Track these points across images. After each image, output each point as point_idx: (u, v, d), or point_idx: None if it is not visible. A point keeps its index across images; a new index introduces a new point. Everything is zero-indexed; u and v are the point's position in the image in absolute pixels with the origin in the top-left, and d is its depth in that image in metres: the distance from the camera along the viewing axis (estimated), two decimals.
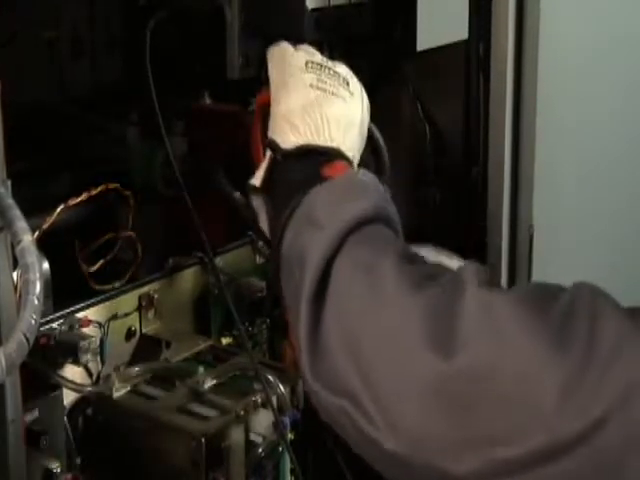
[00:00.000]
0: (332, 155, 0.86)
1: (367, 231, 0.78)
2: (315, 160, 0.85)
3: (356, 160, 0.89)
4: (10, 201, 0.81)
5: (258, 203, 0.88)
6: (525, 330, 0.67)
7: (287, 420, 1.09)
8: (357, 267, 0.75)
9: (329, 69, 0.92)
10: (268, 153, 0.88)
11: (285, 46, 0.95)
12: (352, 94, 0.91)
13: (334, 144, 0.86)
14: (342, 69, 0.93)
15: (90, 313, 1.07)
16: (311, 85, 0.89)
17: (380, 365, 0.72)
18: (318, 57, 0.94)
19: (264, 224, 0.88)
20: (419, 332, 0.70)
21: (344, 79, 0.92)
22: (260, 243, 1.27)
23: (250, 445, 1.08)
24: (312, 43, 1.21)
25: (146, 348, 1.13)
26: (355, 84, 0.93)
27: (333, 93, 0.89)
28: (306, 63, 0.92)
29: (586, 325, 0.67)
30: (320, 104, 0.88)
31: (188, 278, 1.20)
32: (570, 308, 0.68)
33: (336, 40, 1.24)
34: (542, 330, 0.67)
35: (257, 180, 0.87)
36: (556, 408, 0.65)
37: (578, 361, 0.66)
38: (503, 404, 0.67)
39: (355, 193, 0.81)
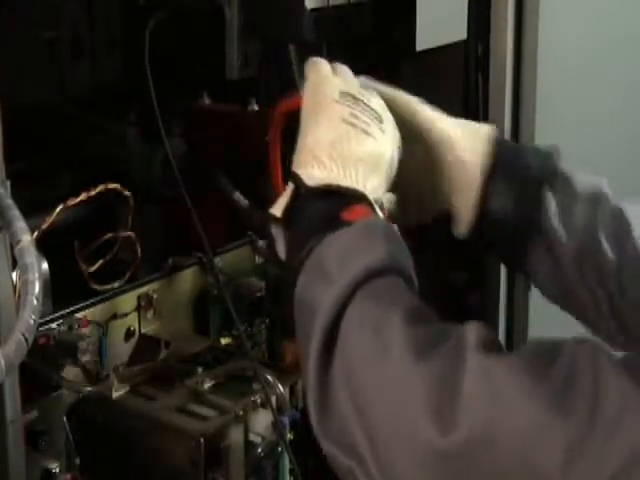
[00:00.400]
0: (354, 197, 0.84)
1: (377, 284, 0.78)
2: (336, 201, 0.84)
3: (379, 201, 0.87)
4: (9, 201, 0.81)
5: (277, 231, 0.87)
6: (525, 394, 0.67)
7: (286, 420, 1.09)
8: (364, 324, 0.75)
9: (363, 102, 0.89)
10: (291, 185, 0.86)
11: (323, 68, 0.91)
12: (384, 132, 0.88)
13: (359, 186, 0.85)
14: (376, 103, 0.90)
15: (89, 313, 1.07)
16: (342, 119, 0.87)
17: (385, 428, 0.72)
18: (354, 86, 0.90)
19: (281, 252, 0.87)
20: (422, 402, 0.70)
21: (377, 115, 0.89)
22: (260, 243, 1.27)
23: (249, 445, 1.08)
24: (311, 43, 1.22)
25: (145, 348, 1.13)
26: (388, 120, 0.90)
27: (364, 130, 0.87)
28: (340, 93, 0.88)
29: (589, 387, 0.66)
30: (349, 141, 0.86)
31: (187, 278, 1.20)
32: (571, 368, 0.68)
33: (335, 40, 1.24)
34: (542, 393, 0.66)
35: (277, 211, 0.86)
36: (560, 475, 0.64)
37: (582, 424, 0.65)
38: (506, 472, 0.67)
39: (369, 242, 0.80)
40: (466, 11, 1.40)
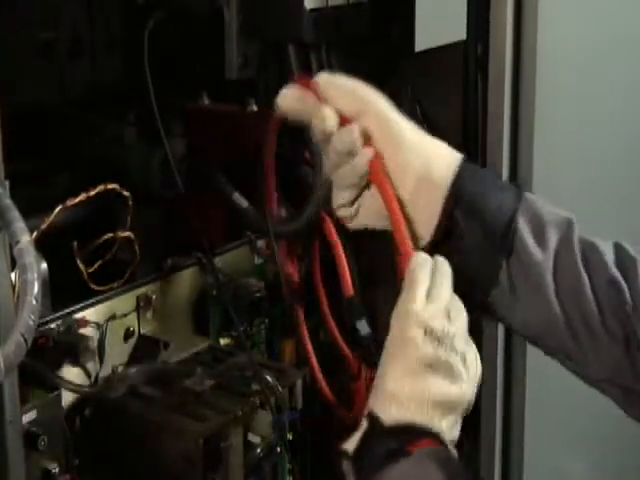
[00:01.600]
0: (424, 432, 0.84)
1: None
2: (407, 436, 0.84)
3: (454, 441, 0.86)
4: (8, 202, 0.81)
5: (347, 466, 0.86)
6: None
7: (285, 421, 1.09)
8: None
9: (447, 344, 0.86)
10: (366, 423, 0.85)
11: (419, 294, 0.87)
12: (466, 374, 0.87)
13: (433, 428, 0.84)
14: (460, 343, 0.87)
15: (88, 314, 1.07)
16: (425, 363, 0.85)
17: None
18: (439, 320, 0.86)
19: None
20: None
21: (462, 355, 0.87)
22: (259, 243, 1.27)
23: (249, 446, 1.08)
24: (311, 43, 1.22)
25: (144, 349, 1.13)
26: (472, 361, 0.87)
27: (446, 374, 0.85)
28: (425, 331, 0.86)
29: None
30: (429, 386, 0.85)
31: (186, 278, 1.20)
32: None
33: (334, 40, 1.24)
34: None
35: (351, 447, 0.85)
36: None
37: None
38: None
39: (421, 473, 0.81)
40: (465, 11, 1.40)
